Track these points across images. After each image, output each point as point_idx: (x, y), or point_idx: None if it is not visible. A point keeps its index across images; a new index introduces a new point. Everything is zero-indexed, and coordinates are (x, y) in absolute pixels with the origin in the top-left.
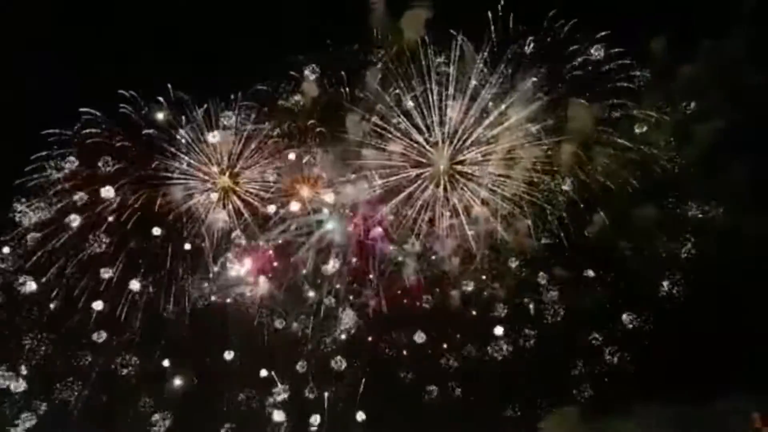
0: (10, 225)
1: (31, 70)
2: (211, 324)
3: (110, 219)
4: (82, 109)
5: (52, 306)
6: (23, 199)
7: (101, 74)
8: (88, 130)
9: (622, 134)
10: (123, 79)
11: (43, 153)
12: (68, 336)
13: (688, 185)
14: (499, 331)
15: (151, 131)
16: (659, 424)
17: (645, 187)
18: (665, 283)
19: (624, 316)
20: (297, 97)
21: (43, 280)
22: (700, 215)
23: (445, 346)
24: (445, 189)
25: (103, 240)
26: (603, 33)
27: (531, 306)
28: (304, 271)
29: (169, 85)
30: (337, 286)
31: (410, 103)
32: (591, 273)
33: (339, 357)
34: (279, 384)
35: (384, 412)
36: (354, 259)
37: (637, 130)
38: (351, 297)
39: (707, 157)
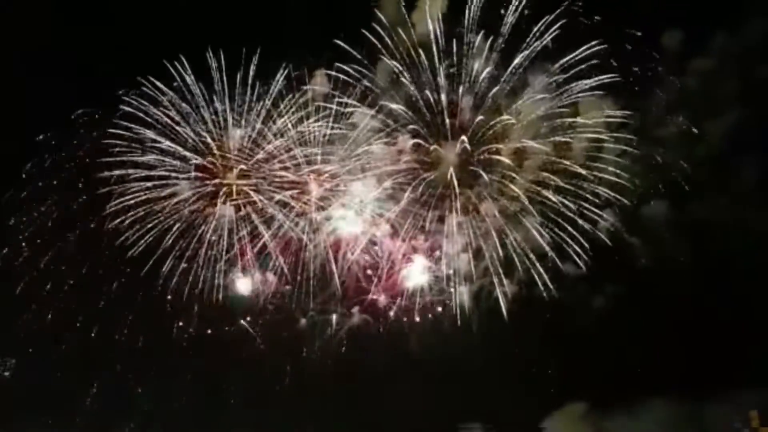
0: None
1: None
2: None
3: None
4: (79, 111)
5: None
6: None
7: (100, 73)
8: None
9: (634, 132)
10: (123, 79)
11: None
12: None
13: (699, 183)
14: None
15: (156, 130)
16: (661, 421)
17: (655, 185)
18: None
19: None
20: (307, 95)
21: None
22: (708, 214)
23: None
24: (454, 187)
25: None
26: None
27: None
28: (312, 268)
29: (176, 84)
30: (345, 282)
31: (421, 100)
32: (601, 270)
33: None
34: None
35: (387, 413)
36: (361, 256)
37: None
38: (358, 294)
39: (718, 155)
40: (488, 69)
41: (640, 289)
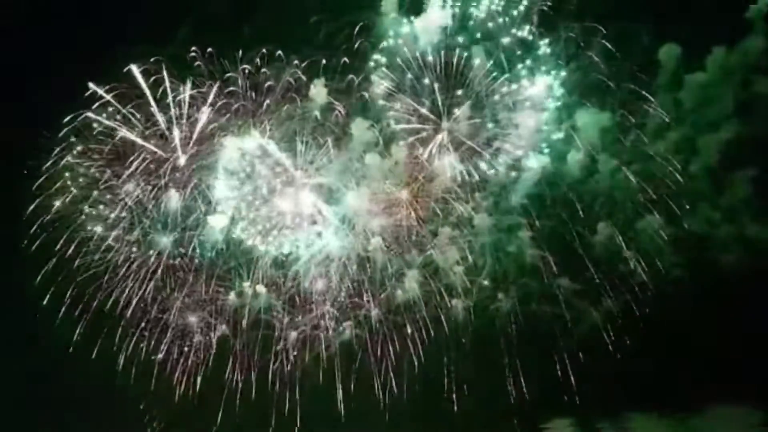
0: None
1: None
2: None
3: None
4: None
5: None
6: None
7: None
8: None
9: (630, 144)
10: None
11: None
12: None
13: (695, 197)
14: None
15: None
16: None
17: (651, 198)
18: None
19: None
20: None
21: None
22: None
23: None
24: (448, 200)
25: None
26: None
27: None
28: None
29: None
30: (339, 297)
31: (417, 114)
32: (596, 284)
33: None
34: None
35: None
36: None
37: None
38: (349, 309)
39: (715, 168)
40: (487, 80)
41: (635, 303)
